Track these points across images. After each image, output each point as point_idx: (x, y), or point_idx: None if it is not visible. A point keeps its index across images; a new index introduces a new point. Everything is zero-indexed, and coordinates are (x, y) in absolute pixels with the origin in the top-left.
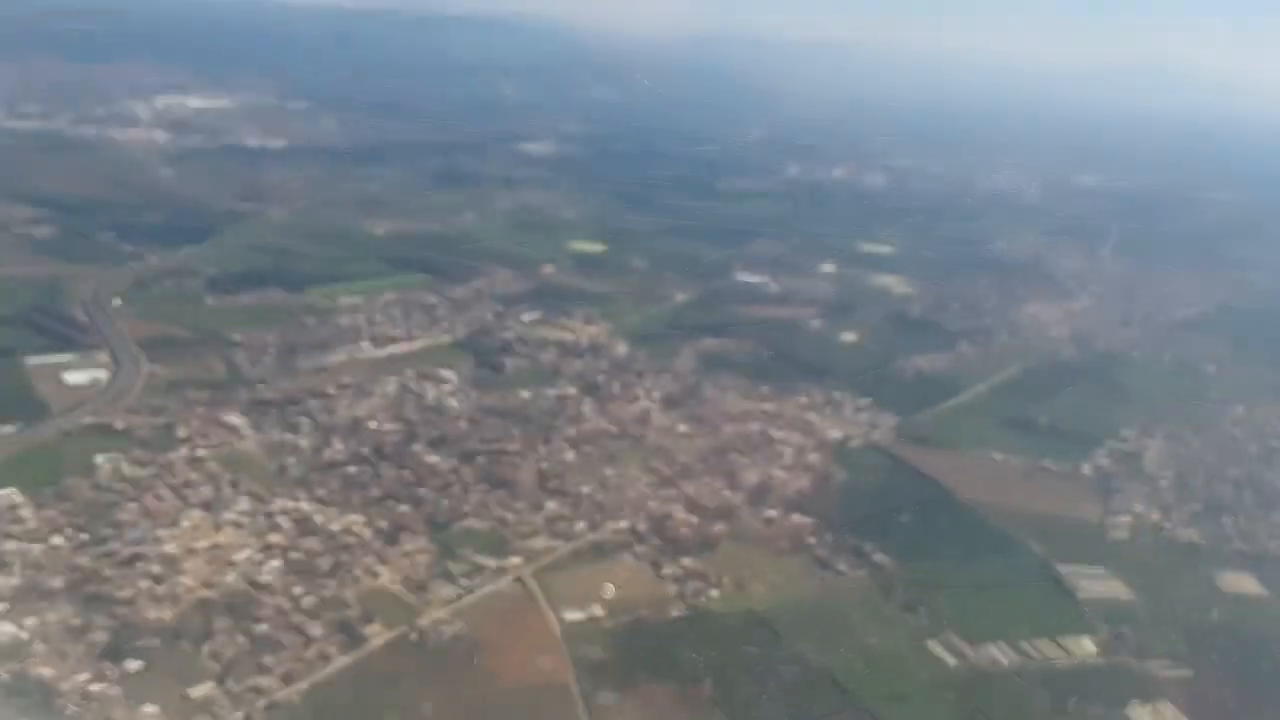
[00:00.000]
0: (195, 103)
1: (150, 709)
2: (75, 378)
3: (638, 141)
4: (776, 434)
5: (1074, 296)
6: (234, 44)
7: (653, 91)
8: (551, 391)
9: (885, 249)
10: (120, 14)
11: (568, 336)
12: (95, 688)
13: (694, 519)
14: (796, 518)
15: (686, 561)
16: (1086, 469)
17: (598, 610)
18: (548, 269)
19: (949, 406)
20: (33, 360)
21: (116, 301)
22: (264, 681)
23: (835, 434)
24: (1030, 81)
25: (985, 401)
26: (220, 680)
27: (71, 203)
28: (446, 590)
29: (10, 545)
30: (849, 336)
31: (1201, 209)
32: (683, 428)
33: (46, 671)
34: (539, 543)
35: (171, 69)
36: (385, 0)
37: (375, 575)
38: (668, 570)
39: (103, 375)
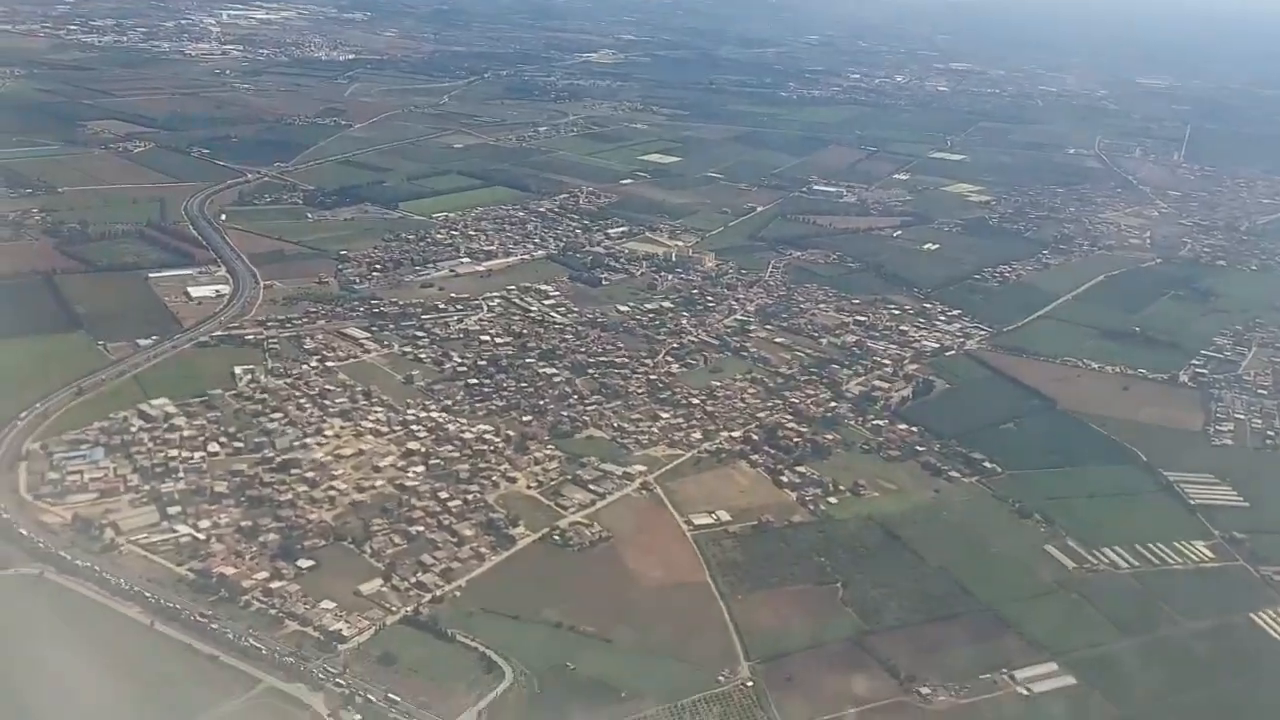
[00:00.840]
0: (259, 15)
1: (328, 604)
2: (199, 291)
3: (696, 47)
4: (873, 345)
5: (1152, 202)
6: None
7: None
8: (649, 305)
9: (957, 156)
10: None
11: (657, 250)
12: (275, 585)
13: (804, 428)
14: (903, 427)
15: (802, 469)
16: (1184, 377)
17: (724, 515)
18: (626, 182)
19: (1039, 316)
20: (155, 275)
21: (222, 217)
22: (426, 579)
23: (931, 344)
24: None
25: (1075, 311)
26: (386, 577)
27: (161, 119)
28: (579, 495)
29: (172, 453)
30: (931, 246)
31: (1276, 109)
32: (781, 339)
33: (228, 570)
34: (658, 451)
35: None
36: None
37: (511, 480)
38: (785, 477)
39: (224, 289)
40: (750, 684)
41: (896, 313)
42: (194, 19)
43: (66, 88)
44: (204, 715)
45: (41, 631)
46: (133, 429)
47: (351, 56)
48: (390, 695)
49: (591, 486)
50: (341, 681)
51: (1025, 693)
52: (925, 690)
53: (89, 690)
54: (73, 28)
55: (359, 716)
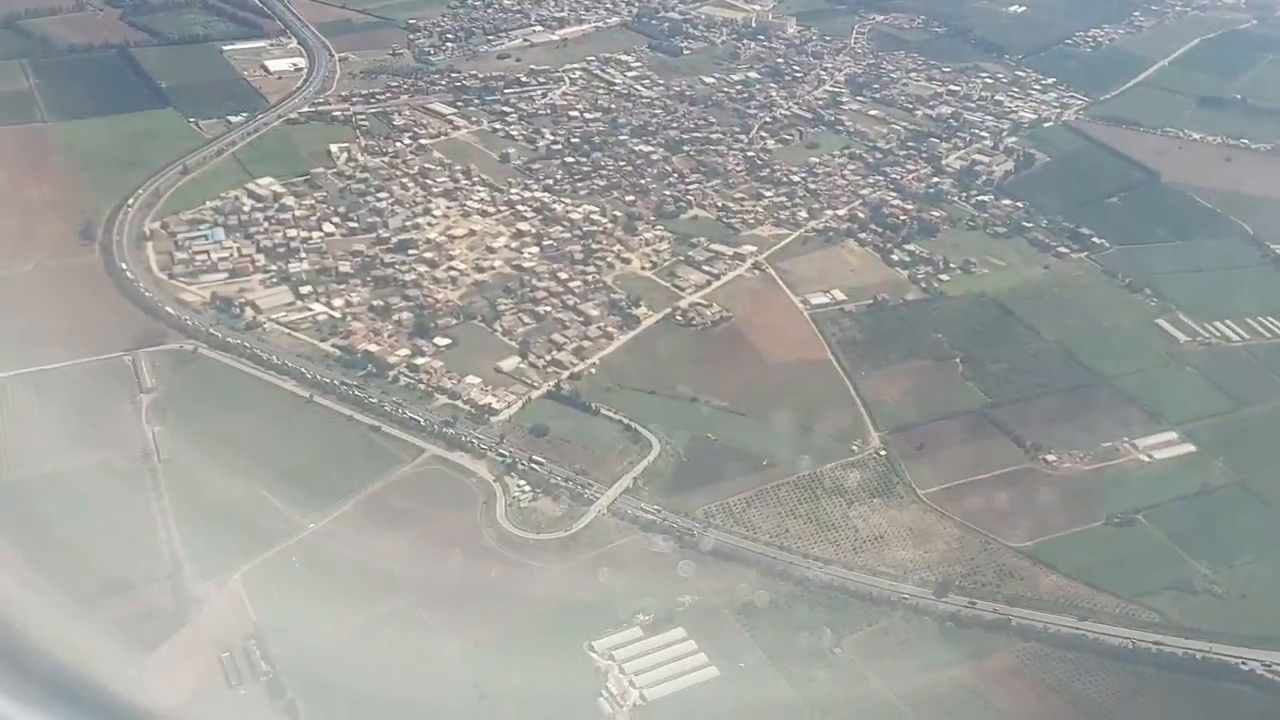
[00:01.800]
0: None
1: (473, 379)
2: (277, 65)
3: None
4: (969, 116)
5: None
6: None
7: None
8: (735, 76)
9: None
10: None
11: (734, 15)
12: (419, 361)
13: (909, 205)
14: (1007, 202)
15: (911, 247)
16: None
17: (839, 294)
18: None
19: (1135, 84)
20: (229, 48)
21: None
22: (561, 356)
23: (1028, 115)
24: None
25: (1171, 78)
26: (522, 355)
27: None
28: (694, 276)
29: (290, 232)
30: (1018, 8)
31: None
32: (874, 112)
33: (372, 347)
34: (765, 231)
35: None
36: None
37: (625, 261)
38: (895, 255)
39: (301, 62)
40: (883, 453)
41: (989, 81)
42: None
43: None
44: (379, 480)
45: (213, 403)
46: (245, 209)
47: None
48: (549, 462)
49: (705, 267)
50: (503, 451)
51: (1147, 459)
52: (1050, 457)
53: (271, 459)
54: None
55: (523, 482)
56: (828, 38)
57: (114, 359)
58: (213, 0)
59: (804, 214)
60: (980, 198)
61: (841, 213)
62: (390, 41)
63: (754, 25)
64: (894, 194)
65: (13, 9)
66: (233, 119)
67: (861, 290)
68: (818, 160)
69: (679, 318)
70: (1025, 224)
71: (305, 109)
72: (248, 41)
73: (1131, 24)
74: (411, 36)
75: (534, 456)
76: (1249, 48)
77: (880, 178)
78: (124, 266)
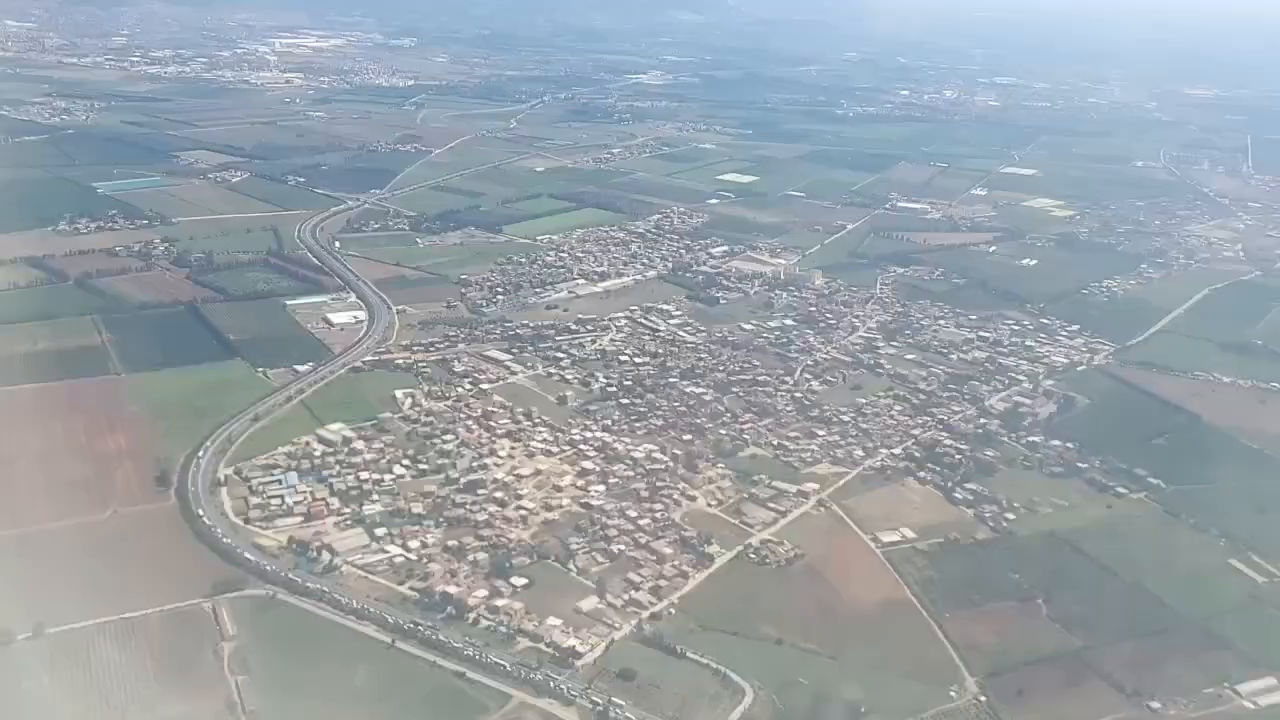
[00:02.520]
0: (311, 43)
1: (554, 621)
2: (339, 318)
3: (739, 66)
4: (1004, 360)
5: (1233, 214)
6: None
7: (737, 10)
8: (772, 323)
9: (1028, 171)
10: None
11: (763, 269)
12: (499, 602)
13: (962, 445)
14: (1057, 443)
15: (971, 486)
16: None
17: (908, 532)
18: (713, 201)
19: (1156, 331)
20: (292, 303)
21: (336, 244)
22: (638, 595)
23: (1060, 359)
24: None
25: (1190, 325)
26: (600, 594)
27: (249, 148)
28: (761, 513)
29: (363, 475)
30: (1029, 261)
31: None
32: (911, 356)
33: (451, 589)
34: (822, 469)
35: (272, 8)
36: None
37: (690, 499)
38: (958, 494)
39: (361, 315)
40: (982, 699)
41: (1016, 328)
42: (249, 48)
43: (149, 119)
44: None
45: (293, 653)
46: (316, 453)
47: (412, 82)
48: (641, 709)
49: (770, 505)
50: (595, 698)
51: (1253, 706)
52: (1155, 705)
53: (358, 709)
54: (135, 59)
55: None
56: (854, 288)
57: (194, 606)
58: (275, 260)
59: (859, 452)
60: (1030, 438)
61: (896, 451)
62: (444, 295)
63: (783, 277)
64: (945, 434)
65: (85, 269)
66: (299, 368)
67: (930, 529)
68: (864, 401)
69: (752, 555)
70: (1080, 464)
71: (369, 358)
72: (309, 297)
73: (1141, 276)
74: (464, 290)
75: (626, 703)
76: (1258, 297)
77: (928, 418)
78: (200, 512)
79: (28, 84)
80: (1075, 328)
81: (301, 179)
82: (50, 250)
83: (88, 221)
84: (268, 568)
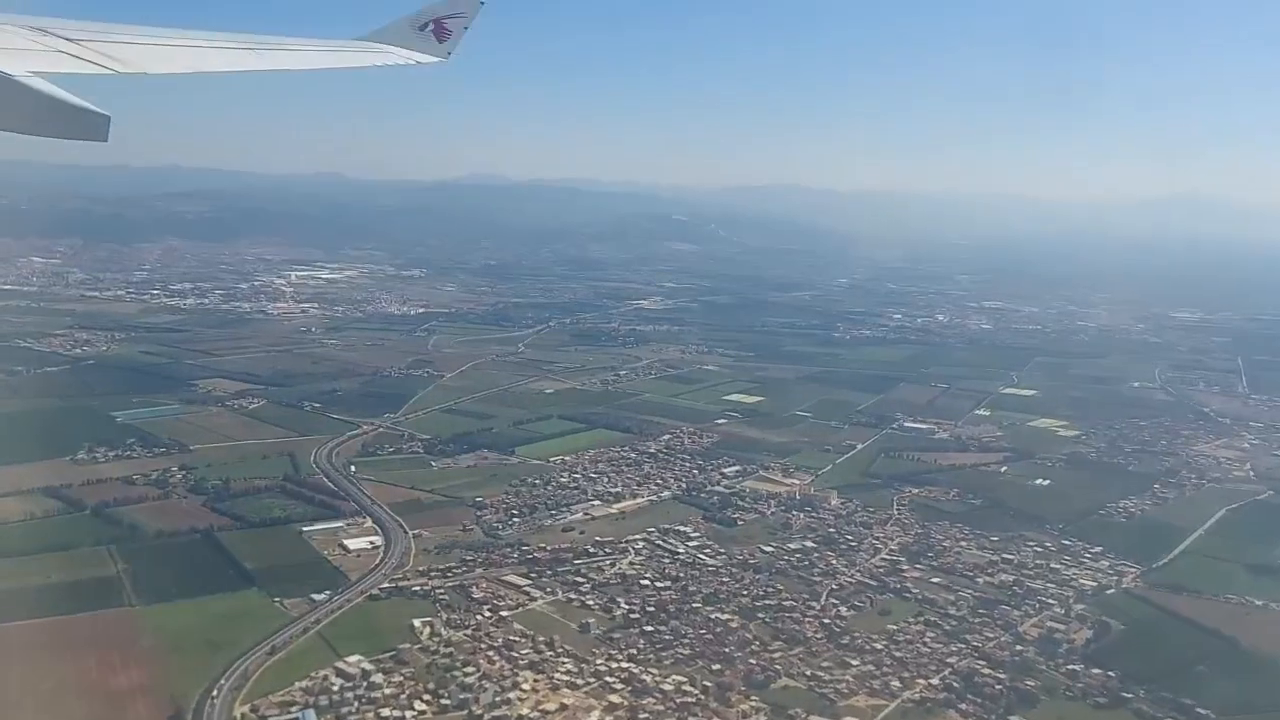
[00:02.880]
0: (325, 275)
1: None
2: (355, 544)
3: (735, 292)
4: (1032, 584)
5: (1237, 434)
6: (331, 216)
7: (728, 241)
8: (792, 545)
9: (1028, 391)
10: (222, 194)
11: (777, 489)
12: None
13: (1000, 674)
14: (1097, 671)
15: (1014, 718)
16: None
17: None
18: (721, 422)
19: (1180, 552)
20: (308, 529)
21: (352, 468)
22: None
23: (1088, 583)
24: (1071, 216)
25: (1214, 545)
26: None
27: (266, 375)
28: None
29: (383, 712)
30: (1042, 481)
31: None
32: (936, 579)
33: None
34: (860, 701)
35: (287, 243)
36: (454, 173)
37: None
38: None
39: (377, 540)
40: None
41: (1039, 550)
42: (264, 280)
43: (168, 349)
44: None
45: None
46: (334, 688)
47: (422, 310)
48: None
49: None
50: None
51: None
52: None
53: None
54: (155, 292)
55: None
56: (871, 508)
57: None
58: (291, 485)
59: (896, 683)
60: (1069, 666)
61: (934, 682)
62: (459, 518)
63: (799, 498)
64: (982, 662)
65: (102, 498)
66: (316, 597)
67: None
68: (895, 627)
69: None
70: (1124, 694)
71: (385, 584)
72: (325, 522)
73: (1155, 495)
74: (479, 513)
75: None
76: (1277, 516)
77: (962, 645)
78: None
79: (51, 317)
80: (1098, 549)
81: (317, 404)
82: (68, 480)
83: (106, 450)
84: None
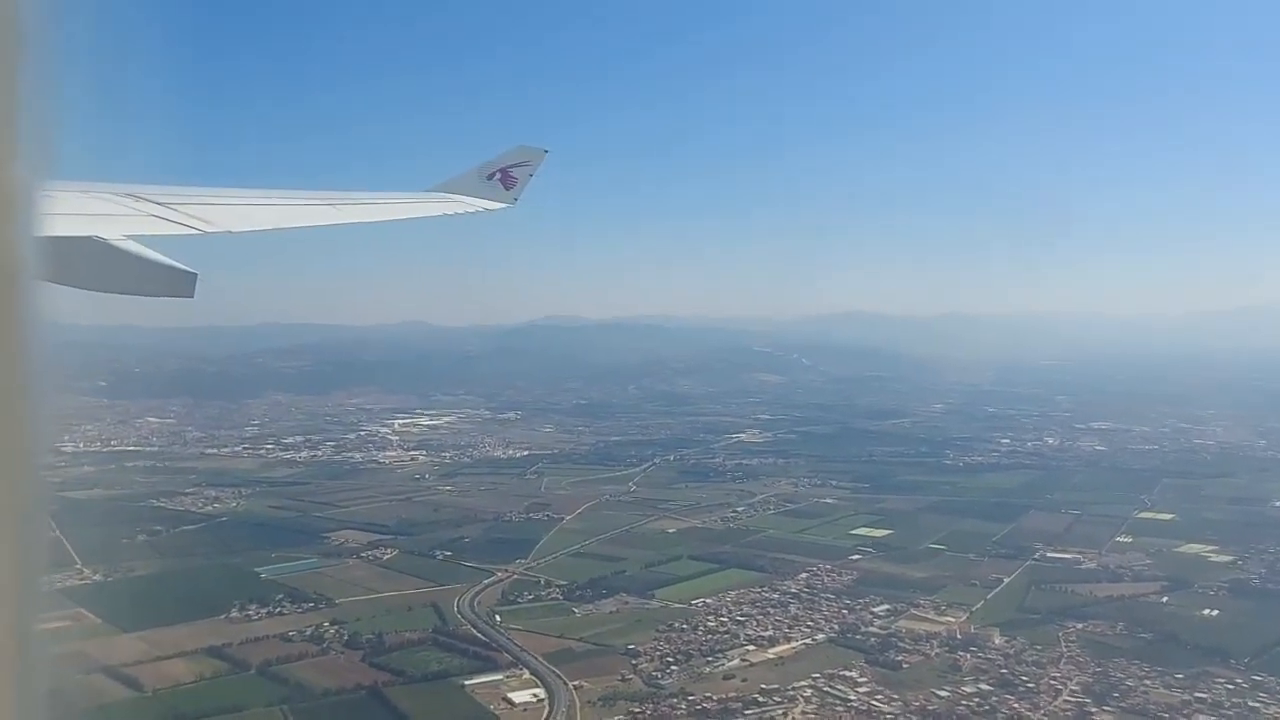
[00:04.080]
0: (425, 421)
1: None
2: (520, 697)
3: (832, 421)
4: None
5: None
6: (420, 363)
7: (813, 370)
8: (967, 689)
9: (1165, 515)
10: (318, 349)
11: (934, 629)
12: None
13: None
14: None
15: None
16: None
17: None
18: (855, 558)
19: None
20: (469, 682)
21: (497, 617)
22: None
23: None
24: (1151, 331)
25: None
26: None
27: (392, 525)
28: None
29: None
30: (1210, 612)
31: None
32: None
33: None
34: None
35: (383, 392)
36: (532, 315)
37: None
38: None
39: (540, 692)
40: None
41: (1230, 688)
42: (369, 429)
43: (294, 502)
44: None
45: None
46: None
47: (526, 452)
48: None
49: None
50: None
51: None
52: None
53: None
54: (269, 446)
55: None
56: (1037, 646)
57: None
58: (442, 638)
59: None
60: None
61: None
62: (615, 668)
63: (959, 637)
64: None
65: (264, 657)
66: None
67: None
68: None
69: None
70: None
71: None
72: (484, 675)
73: None
74: (634, 661)
75: None
76: None
77: None
78: None
79: (176, 475)
80: None
81: (448, 552)
82: (227, 639)
83: (257, 608)
84: None
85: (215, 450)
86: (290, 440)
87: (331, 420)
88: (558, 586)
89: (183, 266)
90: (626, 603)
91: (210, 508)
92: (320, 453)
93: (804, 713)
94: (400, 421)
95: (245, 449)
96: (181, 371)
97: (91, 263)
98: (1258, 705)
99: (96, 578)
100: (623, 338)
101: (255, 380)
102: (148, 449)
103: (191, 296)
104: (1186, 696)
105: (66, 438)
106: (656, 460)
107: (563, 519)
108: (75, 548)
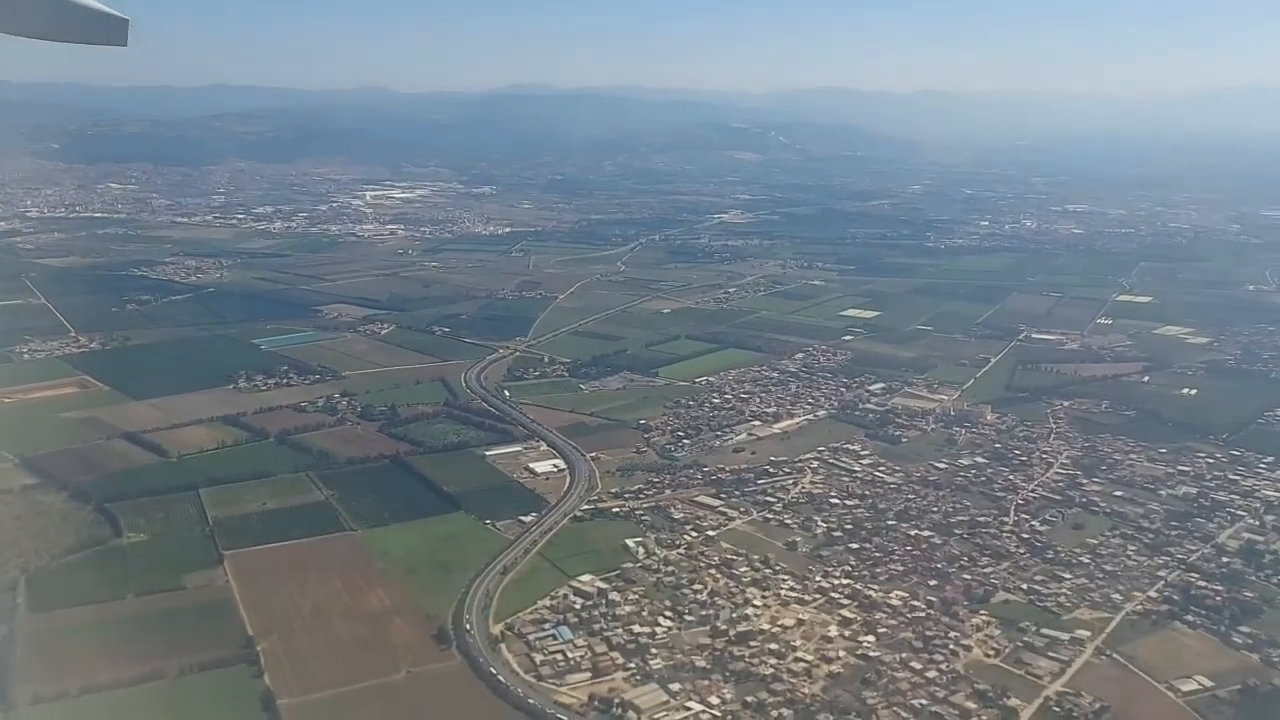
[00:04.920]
0: (398, 194)
1: None
2: (541, 467)
3: (812, 202)
4: (1216, 496)
5: None
6: (387, 132)
7: (790, 148)
8: (964, 461)
9: (1144, 298)
10: (277, 114)
11: (929, 406)
12: None
13: (1216, 586)
14: None
15: (1245, 629)
16: None
17: (1204, 680)
18: (848, 338)
19: None
20: (490, 453)
21: (506, 392)
22: None
23: (1272, 494)
24: (1127, 112)
25: None
26: None
27: (384, 300)
28: (1043, 663)
29: (633, 628)
30: (1189, 391)
31: None
32: (1119, 493)
33: None
34: (1083, 614)
35: (350, 162)
36: (499, 83)
37: (965, 648)
38: (1235, 639)
39: (560, 464)
40: None
41: (1210, 461)
42: (341, 201)
43: (279, 274)
44: None
45: None
46: (576, 606)
47: (508, 229)
48: None
49: (1050, 654)
50: None
51: None
52: None
53: None
54: (241, 216)
55: None
56: (1028, 423)
57: None
58: (456, 411)
59: (1115, 596)
60: None
61: (1152, 594)
62: (629, 441)
63: (953, 413)
64: (1194, 575)
65: (282, 426)
66: (524, 519)
67: (1223, 675)
68: (1095, 541)
69: (1056, 709)
70: None
71: (585, 506)
72: (503, 447)
73: None
74: (646, 435)
75: None
76: None
77: (1167, 558)
78: (493, 670)
79: (151, 244)
80: (1270, 459)
81: (446, 329)
82: (241, 408)
83: (264, 378)
84: None
85: (185, 219)
86: (261, 210)
87: (300, 190)
88: (561, 364)
89: (114, 11)
90: (632, 380)
91: (194, 278)
92: (294, 224)
93: (812, 482)
94: (371, 193)
95: (216, 218)
96: (139, 136)
97: (18, 5)
98: (1236, 478)
99: (94, 345)
100: (592, 109)
101: (214, 145)
102: (116, 216)
103: (124, 44)
104: (1170, 469)
105: (29, 201)
106: (642, 240)
107: (556, 297)
108: (66, 316)
